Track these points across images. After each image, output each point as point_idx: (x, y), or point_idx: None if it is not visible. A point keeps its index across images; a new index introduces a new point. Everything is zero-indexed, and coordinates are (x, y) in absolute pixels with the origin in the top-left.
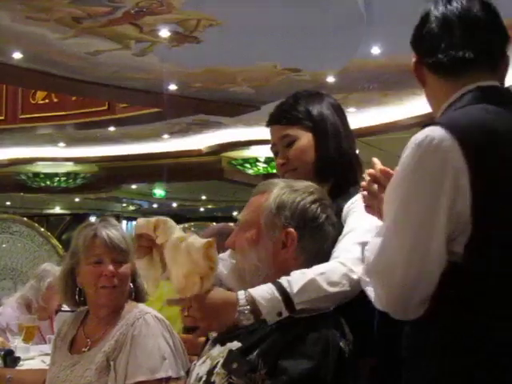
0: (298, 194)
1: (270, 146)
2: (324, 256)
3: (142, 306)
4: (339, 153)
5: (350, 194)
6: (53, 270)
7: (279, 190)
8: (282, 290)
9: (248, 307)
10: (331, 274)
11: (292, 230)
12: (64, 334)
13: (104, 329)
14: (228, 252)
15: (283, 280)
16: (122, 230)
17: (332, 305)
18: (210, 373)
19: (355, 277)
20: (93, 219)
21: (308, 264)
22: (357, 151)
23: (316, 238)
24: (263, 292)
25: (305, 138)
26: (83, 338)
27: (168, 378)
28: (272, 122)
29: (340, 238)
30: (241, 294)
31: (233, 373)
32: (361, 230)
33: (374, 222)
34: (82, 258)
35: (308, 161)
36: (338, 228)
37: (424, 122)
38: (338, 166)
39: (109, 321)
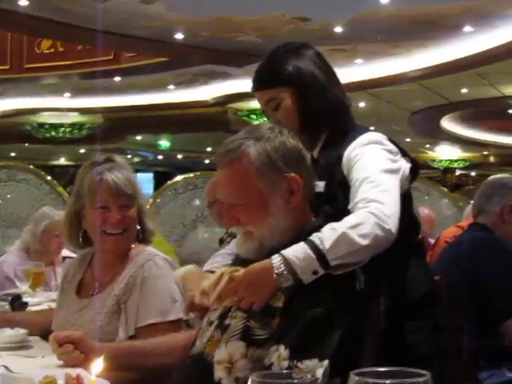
0: (273, 141)
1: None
2: (313, 183)
3: (150, 248)
4: (325, 103)
5: (347, 140)
6: (51, 213)
7: (255, 148)
8: (314, 247)
9: (283, 268)
10: (362, 225)
11: (292, 174)
12: (71, 278)
13: (112, 272)
14: (224, 250)
15: (314, 237)
16: (128, 172)
17: (367, 258)
18: (223, 316)
19: (387, 226)
20: None
21: (308, 197)
22: (345, 94)
23: (308, 167)
24: (296, 252)
25: (288, 98)
26: (91, 282)
27: (179, 321)
28: (254, 88)
29: (354, 183)
30: (275, 258)
31: (250, 316)
32: (378, 176)
33: (381, 164)
34: (87, 202)
35: (296, 119)
36: None
37: (432, 73)
38: (325, 117)
39: (116, 264)
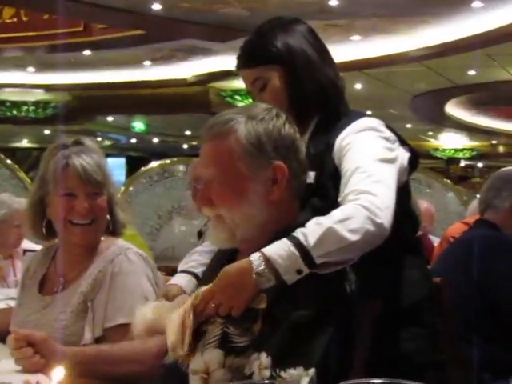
0: (267, 123)
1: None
2: (304, 179)
3: (121, 241)
4: (316, 85)
5: (340, 126)
6: (9, 200)
7: (245, 125)
8: (297, 243)
9: (264, 267)
10: (352, 219)
11: (279, 162)
12: (33, 273)
13: (79, 267)
14: (202, 247)
15: (298, 233)
16: (99, 157)
17: (357, 255)
18: (200, 322)
19: (379, 220)
20: None
21: (299, 192)
22: (339, 75)
23: (300, 161)
24: (277, 249)
25: (276, 78)
26: (55, 277)
27: None
28: (239, 66)
29: (345, 173)
30: (254, 256)
31: (229, 321)
32: (371, 166)
33: (376, 153)
34: (52, 188)
35: (284, 101)
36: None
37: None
38: (316, 99)
39: (84, 258)
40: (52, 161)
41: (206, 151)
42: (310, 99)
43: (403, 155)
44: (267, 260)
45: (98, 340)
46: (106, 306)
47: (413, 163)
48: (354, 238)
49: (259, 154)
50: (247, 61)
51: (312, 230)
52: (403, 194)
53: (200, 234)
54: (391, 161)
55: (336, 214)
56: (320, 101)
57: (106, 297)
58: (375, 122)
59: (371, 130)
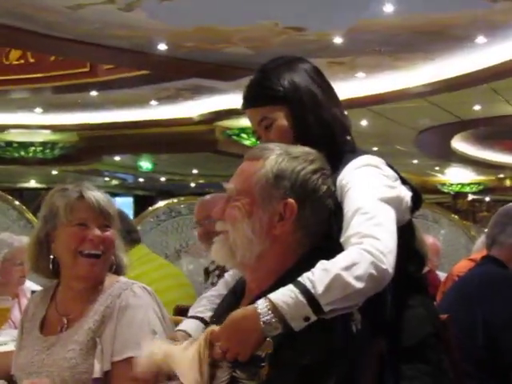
0: (297, 163)
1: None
2: (322, 232)
3: (124, 278)
4: (321, 124)
5: (343, 164)
6: (10, 239)
7: (277, 157)
8: (305, 291)
9: (272, 315)
10: (357, 266)
11: (292, 201)
12: (32, 315)
13: (82, 305)
14: (211, 292)
15: (305, 280)
16: (106, 194)
17: (361, 301)
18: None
19: (384, 266)
20: None
21: (305, 240)
22: (344, 113)
23: (316, 211)
24: (284, 296)
25: (282, 117)
26: (57, 317)
27: None
28: (245, 105)
29: (347, 213)
30: (260, 304)
31: (236, 366)
32: (372, 207)
33: (377, 192)
34: (63, 220)
35: (291, 140)
36: (336, 201)
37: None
38: (322, 139)
39: (88, 296)
40: (60, 197)
41: (238, 169)
42: (316, 139)
43: (405, 193)
44: (274, 308)
45: (106, 374)
46: (114, 340)
47: (416, 202)
48: (359, 285)
49: (276, 185)
50: (253, 101)
51: (319, 277)
52: (407, 232)
53: (207, 273)
54: (392, 200)
55: (341, 259)
56: (326, 140)
57: (113, 331)
58: (375, 160)
59: (370, 166)
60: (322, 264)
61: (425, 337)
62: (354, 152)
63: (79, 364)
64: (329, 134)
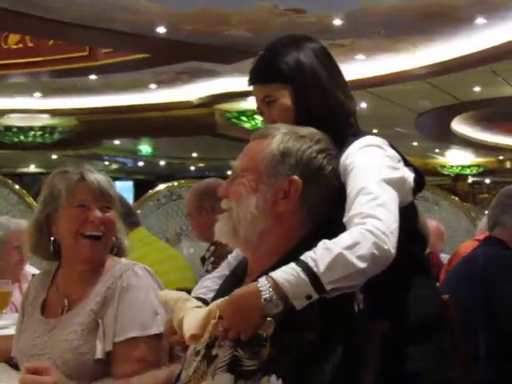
0: (303, 142)
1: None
2: (326, 212)
3: (125, 260)
4: (322, 106)
5: (345, 146)
6: (8, 222)
7: (283, 136)
8: (307, 269)
9: (273, 292)
10: (359, 245)
11: (297, 178)
12: (33, 298)
13: (83, 287)
14: (214, 273)
15: (307, 258)
16: (107, 176)
17: (363, 281)
18: (209, 345)
19: (386, 246)
20: None
21: (309, 220)
22: (350, 96)
23: (320, 190)
24: (286, 274)
25: (285, 96)
26: (58, 299)
27: (160, 335)
28: (251, 81)
29: (350, 193)
30: (262, 281)
31: (238, 344)
32: (375, 187)
33: (380, 172)
34: (64, 202)
35: (292, 120)
36: (340, 181)
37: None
38: (324, 121)
39: (89, 277)
40: (61, 180)
41: (244, 148)
42: (317, 121)
43: (408, 174)
44: (276, 285)
45: (108, 355)
46: (116, 321)
47: (418, 184)
48: (361, 264)
49: (281, 162)
50: (258, 78)
51: (321, 256)
52: (410, 213)
53: (203, 260)
54: (395, 181)
55: (344, 239)
56: (327, 123)
57: (115, 311)
58: (378, 140)
59: (374, 146)
60: (324, 243)
61: (427, 317)
62: (356, 135)
63: (81, 345)
64: (330, 116)
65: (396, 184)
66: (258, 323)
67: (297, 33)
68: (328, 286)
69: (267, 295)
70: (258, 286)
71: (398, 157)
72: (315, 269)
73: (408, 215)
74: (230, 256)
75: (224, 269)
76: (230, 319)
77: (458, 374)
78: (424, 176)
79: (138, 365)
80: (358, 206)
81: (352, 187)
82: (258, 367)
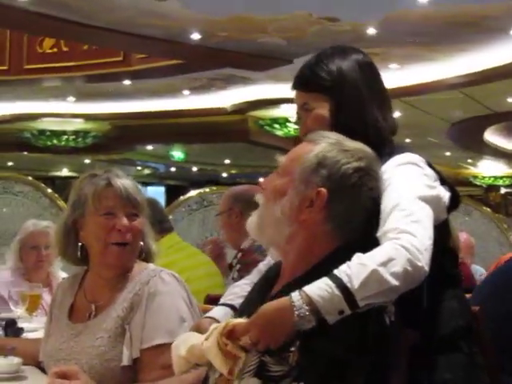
0: (344, 156)
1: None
2: (354, 229)
3: (152, 265)
4: (360, 121)
5: (381, 162)
6: (31, 226)
7: (327, 146)
8: (341, 285)
9: (306, 308)
10: (394, 262)
11: (324, 190)
12: (60, 302)
13: (110, 292)
14: (244, 280)
15: (341, 274)
16: (134, 181)
17: (395, 297)
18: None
19: (420, 264)
20: None
21: (337, 233)
22: (392, 116)
23: (348, 207)
24: (320, 290)
25: (323, 107)
26: (86, 304)
27: None
28: (294, 86)
29: (385, 209)
30: (295, 296)
31: (266, 351)
32: (411, 204)
33: (416, 190)
34: (91, 209)
35: (326, 130)
36: (377, 203)
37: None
38: (358, 135)
39: (116, 283)
40: (88, 184)
41: (294, 148)
42: (350, 134)
43: (444, 193)
44: (309, 301)
45: (135, 362)
46: (143, 327)
47: (453, 202)
48: (395, 282)
49: (315, 171)
50: (300, 84)
51: (356, 272)
52: (443, 230)
53: (230, 267)
54: (431, 199)
55: (378, 254)
56: (361, 137)
57: (142, 318)
58: (416, 158)
59: (411, 164)
60: (358, 258)
61: (457, 329)
62: (392, 153)
63: (108, 352)
64: (365, 132)
65: (432, 202)
66: (289, 336)
67: (347, 44)
68: (361, 303)
69: (300, 311)
70: (291, 301)
71: (435, 175)
72: (349, 285)
73: (442, 233)
74: (261, 264)
75: (254, 276)
76: (261, 333)
77: None
78: (459, 195)
79: (164, 371)
80: (393, 222)
81: (387, 203)
82: (285, 373)
